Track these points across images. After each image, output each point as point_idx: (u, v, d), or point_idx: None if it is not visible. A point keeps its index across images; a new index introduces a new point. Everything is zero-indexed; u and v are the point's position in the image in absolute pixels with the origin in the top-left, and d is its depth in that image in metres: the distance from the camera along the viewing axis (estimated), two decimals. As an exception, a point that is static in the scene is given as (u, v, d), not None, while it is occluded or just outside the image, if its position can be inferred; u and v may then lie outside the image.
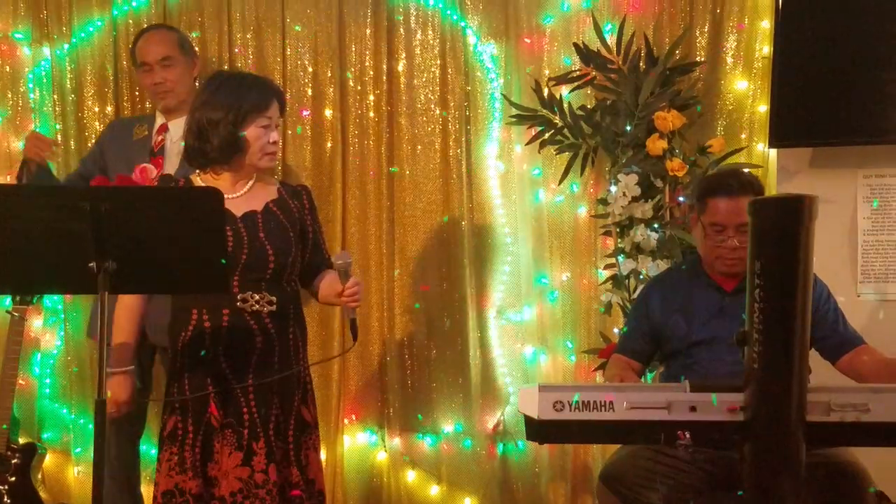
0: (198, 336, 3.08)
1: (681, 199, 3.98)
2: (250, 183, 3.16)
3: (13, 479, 3.96)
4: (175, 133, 3.89)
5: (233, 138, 3.08)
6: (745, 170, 3.83)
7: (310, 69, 4.44)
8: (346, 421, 4.45)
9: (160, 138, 3.91)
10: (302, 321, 3.24)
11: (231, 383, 3.06)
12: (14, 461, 3.99)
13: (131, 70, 4.37)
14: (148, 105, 4.37)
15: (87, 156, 4.12)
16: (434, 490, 4.45)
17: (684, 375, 2.77)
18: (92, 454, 2.66)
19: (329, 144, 4.44)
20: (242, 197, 3.12)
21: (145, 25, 4.33)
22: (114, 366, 3.07)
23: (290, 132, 4.43)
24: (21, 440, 4.11)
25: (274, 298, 3.07)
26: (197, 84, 3.95)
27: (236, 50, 4.41)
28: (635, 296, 3.99)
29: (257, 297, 3.05)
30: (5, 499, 3.90)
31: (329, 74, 4.42)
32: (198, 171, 3.18)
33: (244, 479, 3.01)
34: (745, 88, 4.16)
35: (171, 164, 3.84)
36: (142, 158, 3.81)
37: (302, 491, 3.09)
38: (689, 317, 3.33)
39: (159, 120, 3.98)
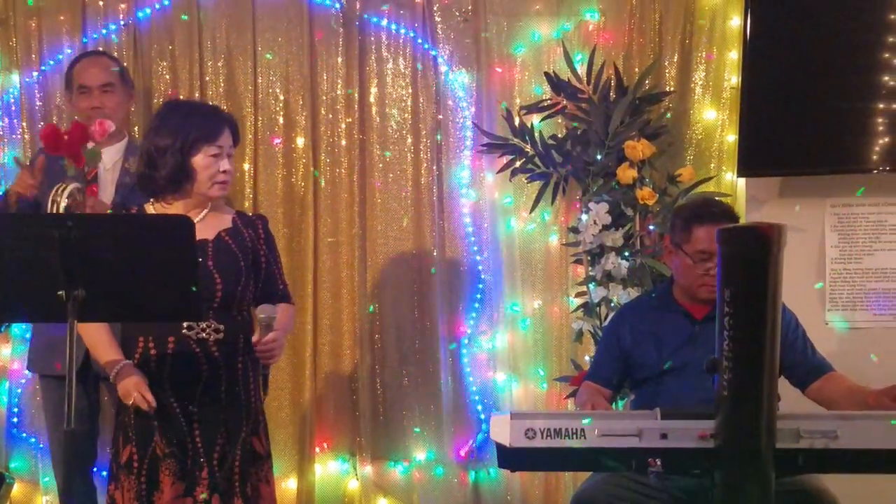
0: (144, 364, 3.05)
1: (651, 227, 4.00)
2: (204, 212, 3.14)
3: (-21, 509, 3.90)
4: (108, 160, 3.86)
5: (180, 167, 3.08)
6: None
7: (281, 97, 4.44)
8: (317, 449, 4.43)
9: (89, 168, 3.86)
10: (253, 352, 3.22)
11: (175, 412, 3.04)
12: (-19, 492, 3.93)
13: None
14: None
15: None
16: (406, 518, 4.44)
17: (655, 403, 2.78)
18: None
19: (301, 172, 4.44)
20: (196, 226, 3.10)
21: (115, 54, 4.33)
22: (114, 369, 3.03)
23: (260, 161, 4.42)
24: (-11, 469, 4.07)
25: (222, 327, 3.06)
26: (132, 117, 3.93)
27: (207, 78, 4.40)
28: (606, 323, 4.00)
29: (203, 325, 3.04)
30: (-29, 529, 3.85)
31: (300, 102, 4.42)
32: (151, 199, 3.17)
33: None
34: (714, 118, 4.21)
35: (106, 193, 3.78)
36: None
37: None
38: (660, 344, 3.34)
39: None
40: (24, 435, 4.43)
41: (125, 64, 4.35)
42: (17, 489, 4.34)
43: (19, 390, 4.43)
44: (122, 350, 3.09)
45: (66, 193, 3.17)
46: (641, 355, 3.36)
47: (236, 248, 3.15)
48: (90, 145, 3.43)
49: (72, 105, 3.95)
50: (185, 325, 3.02)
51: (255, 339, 3.07)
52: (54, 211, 3.20)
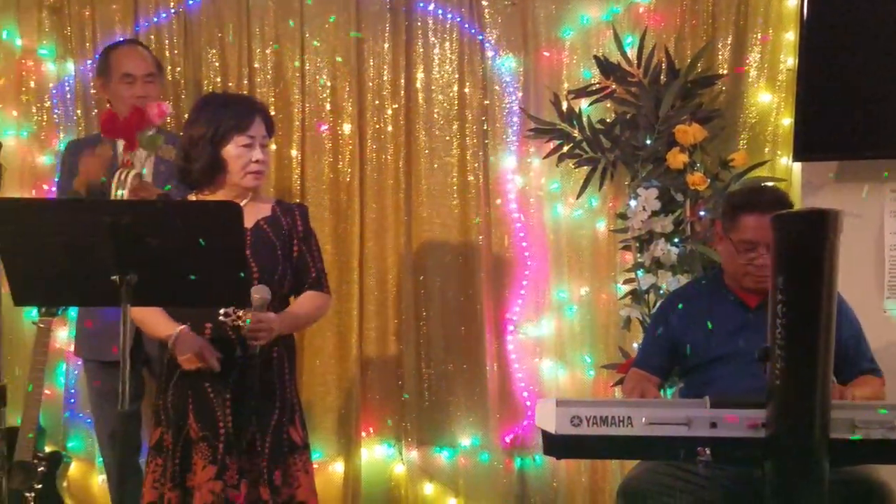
0: None
1: (702, 213, 3.95)
2: (244, 201, 3.15)
3: (39, 486, 4.00)
4: (142, 152, 3.88)
5: (213, 158, 3.12)
6: (770, 184, 3.80)
7: (328, 84, 4.44)
8: (363, 434, 4.44)
9: (127, 158, 3.87)
10: (289, 340, 3.24)
11: (209, 396, 3.07)
12: (40, 469, 4.03)
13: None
14: (170, 119, 4.37)
15: (59, 183, 4.03)
16: (451, 503, 4.43)
17: (704, 391, 2.75)
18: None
19: (347, 159, 4.44)
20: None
21: (166, 41, 4.38)
22: (171, 338, 3.07)
23: (307, 148, 4.44)
24: (47, 449, 4.17)
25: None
26: None
27: (256, 65, 4.42)
28: (655, 310, 3.97)
29: (240, 312, 3.06)
30: (32, 505, 3.95)
31: (347, 89, 4.42)
32: (194, 191, 3.21)
33: (216, 493, 3.02)
34: (769, 101, 4.14)
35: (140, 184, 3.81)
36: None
37: None
38: (710, 332, 3.30)
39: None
40: (81, 415, 4.51)
41: (175, 52, 4.40)
42: (74, 468, 4.45)
43: (76, 372, 4.49)
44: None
45: (128, 179, 3.20)
46: (691, 343, 3.32)
47: (274, 236, 3.17)
48: (150, 132, 3.45)
49: (107, 92, 3.94)
50: (221, 311, 3.05)
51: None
52: (117, 196, 3.24)
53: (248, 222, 3.14)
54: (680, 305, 3.42)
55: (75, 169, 3.84)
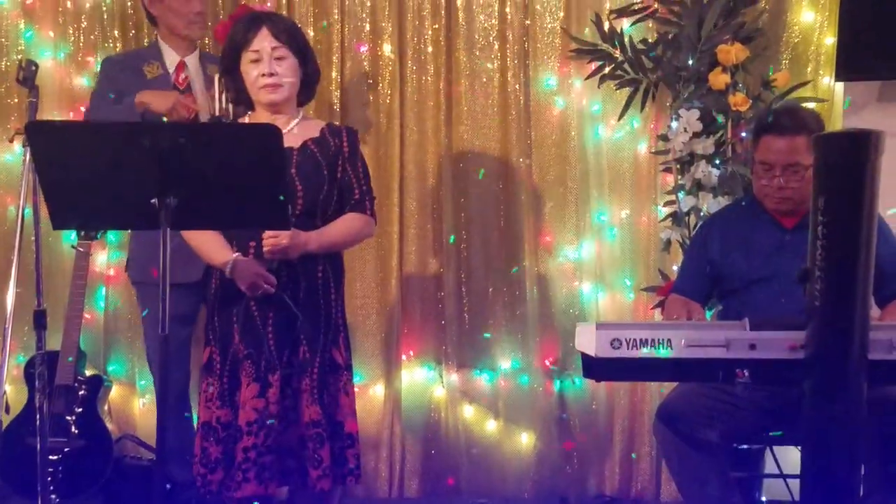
0: None
1: (743, 134, 3.90)
2: (294, 122, 3.16)
3: (80, 410, 4.05)
4: (192, 68, 3.89)
5: (234, 81, 3.15)
6: (810, 105, 3.75)
7: (368, 3, 4.40)
8: (404, 357, 4.48)
9: (183, 76, 3.87)
10: (336, 261, 3.25)
11: (254, 315, 3.10)
12: (81, 393, 4.07)
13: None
14: (209, 40, 4.37)
15: (101, 101, 3.88)
16: (491, 426, 4.48)
17: (743, 313, 2.74)
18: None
19: (387, 80, 4.42)
20: (284, 136, 3.12)
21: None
22: (227, 266, 3.10)
23: (347, 69, 4.41)
24: (88, 372, 4.20)
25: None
26: None
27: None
28: (693, 233, 3.95)
29: (285, 232, 3.05)
30: (73, 429, 4.00)
31: (387, 9, 4.38)
32: (247, 113, 3.25)
33: (259, 410, 3.06)
34: (812, 20, 4.05)
35: (200, 103, 3.83)
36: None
37: (323, 430, 3.11)
38: (749, 254, 3.28)
39: (171, 56, 3.91)
40: (121, 339, 4.57)
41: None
42: (114, 391, 4.51)
43: (116, 296, 4.55)
44: None
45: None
46: (729, 265, 3.31)
47: (321, 156, 3.17)
48: None
49: (158, 8, 3.90)
50: (266, 231, 3.05)
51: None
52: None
53: (296, 142, 3.15)
54: (718, 229, 3.41)
55: (115, 86, 3.83)
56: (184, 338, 3.94)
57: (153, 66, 3.85)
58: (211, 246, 3.16)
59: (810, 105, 3.85)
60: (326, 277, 3.20)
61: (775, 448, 3.47)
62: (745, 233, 3.32)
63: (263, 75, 3.09)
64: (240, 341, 3.12)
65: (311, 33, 4.31)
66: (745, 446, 3.34)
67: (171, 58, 3.92)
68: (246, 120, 3.23)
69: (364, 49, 4.41)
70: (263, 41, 3.09)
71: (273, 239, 3.03)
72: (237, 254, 3.12)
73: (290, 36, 3.15)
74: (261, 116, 3.18)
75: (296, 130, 3.17)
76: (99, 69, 4.12)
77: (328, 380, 3.18)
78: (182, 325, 3.87)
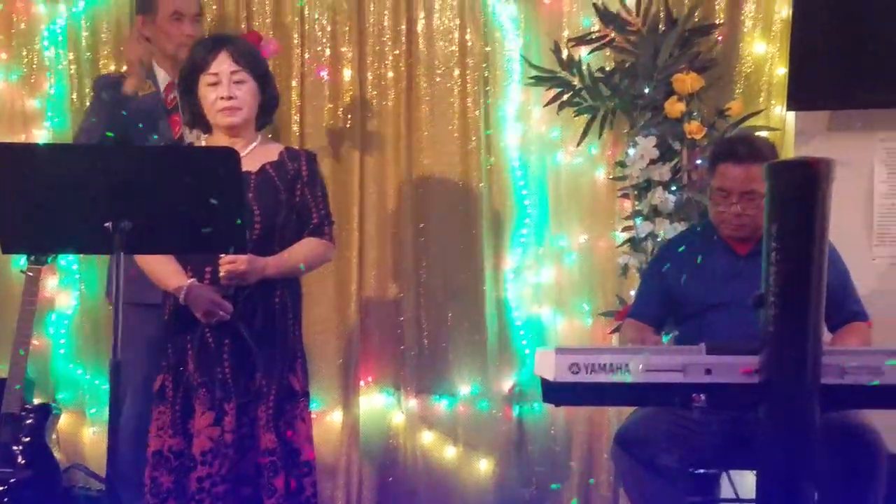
0: None
1: (699, 161, 3.96)
2: (252, 145, 3.14)
3: (27, 439, 3.92)
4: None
5: (191, 103, 3.13)
6: (763, 134, 3.80)
7: (328, 29, 4.41)
8: (362, 383, 4.46)
9: (172, 96, 3.87)
10: (294, 286, 3.22)
11: (209, 342, 3.07)
12: (28, 421, 3.94)
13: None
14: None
15: (91, 122, 3.87)
16: (450, 452, 4.46)
17: (699, 339, 2.76)
18: (107, 415, 2.67)
19: (347, 105, 4.42)
20: (241, 159, 3.09)
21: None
22: (182, 292, 3.06)
23: (307, 93, 4.41)
24: (36, 400, 4.11)
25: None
26: None
27: (253, 9, 4.38)
28: (650, 259, 3.98)
29: (243, 257, 3.02)
30: (20, 459, 3.88)
31: (347, 34, 4.39)
32: (205, 135, 3.23)
33: (214, 439, 3.03)
34: (764, 51, 4.12)
35: None
36: (159, 115, 3.79)
37: (278, 458, 3.07)
38: (704, 280, 3.31)
39: (161, 75, 3.90)
40: (71, 366, 4.50)
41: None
42: (64, 420, 4.37)
43: (66, 322, 4.49)
44: None
45: None
46: (685, 291, 3.34)
47: (279, 180, 3.14)
48: None
49: (150, 30, 3.88)
50: (222, 256, 3.01)
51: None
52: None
53: (254, 166, 3.13)
54: (673, 254, 3.44)
55: (109, 107, 3.81)
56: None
57: (145, 84, 3.84)
58: (164, 270, 3.12)
59: (763, 133, 3.91)
60: (284, 303, 3.17)
61: (732, 473, 3.49)
62: (700, 259, 3.35)
63: (222, 98, 3.07)
64: (195, 369, 3.08)
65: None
66: (702, 471, 3.35)
67: (161, 77, 3.90)
68: (202, 143, 3.20)
69: (324, 74, 4.41)
70: (223, 64, 3.07)
71: (230, 265, 3.00)
72: (192, 279, 3.08)
73: (250, 60, 3.13)
74: (218, 139, 3.15)
75: (254, 154, 3.15)
76: (92, 90, 4.11)
77: (285, 407, 3.15)
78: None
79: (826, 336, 3.18)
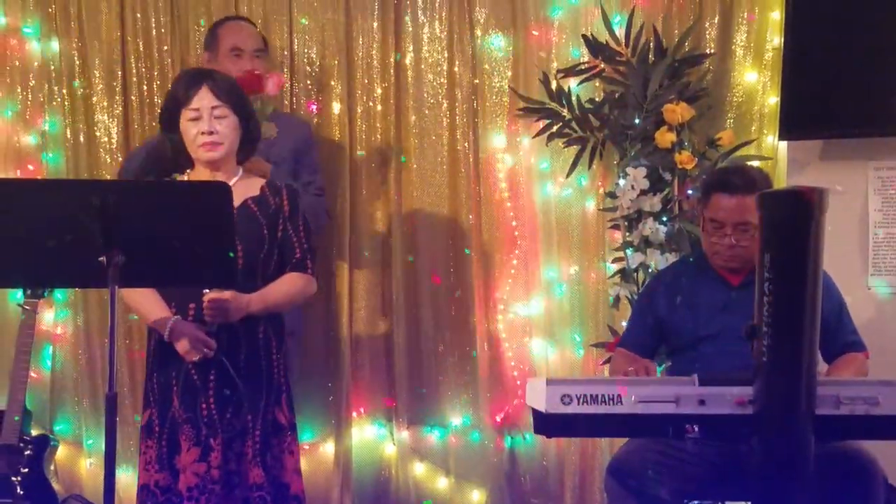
0: None
1: (690, 192, 3.96)
2: (234, 179, 3.12)
3: (26, 470, 3.95)
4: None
5: (169, 142, 3.13)
6: (755, 164, 3.82)
7: (317, 63, 4.43)
8: (354, 414, 4.45)
9: None
10: (277, 321, 3.20)
11: (193, 378, 3.07)
12: (27, 453, 3.98)
13: (140, 65, 4.40)
14: (157, 98, 4.38)
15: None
16: (442, 483, 4.46)
17: (691, 370, 2.76)
18: (104, 446, 2.67)
19: (336, 138, 4.43)
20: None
21: (153, 20, 4.38)
22: (166, 328, 3.05)
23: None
24: (34, 432, 4.13)
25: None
26: None
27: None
28: (641, 290, 3.98)
29: (226, 293, 3.01)
30: (18, 490, 3.91)
31: (336, 68, 4.41)
32: (185, 170, 3.21)
33: (201, 475, 3.02)
34: (755, 80, 4.14)
35: None
36: None
37: (266, 492, 3.07)
38: (696, 311, 3.31)
39: None
40: (69, 398, 4.50)
41: (162, 30, 4.38)
42: (61, 451, 4.43)
43: (63, 354, 4.49)
44: None
45: None
46: (677, 322, 3.34)
47: (261, 215, 3.13)
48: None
49: (214, 66, 3.82)
50: (205, 291, 3.00)
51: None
52: None
53: (236, 200, 3.10)
54: (665, 285, 3.44)
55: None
56: None
57: None
58: (147, 305, 3.11)
59: (755, 163, 3.93)
60: (268, 338, 3.15)
61: (726, 504, 3.49)
62: (691, 290, 3.35)
63: (203, 133, 3.06)
64: (179, 405, 3.07)
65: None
66: (695, 502, 3.34)
67: None
68: (185, 177, 3.20)
69: (313, 108, 4.43)
70: (203, 99, 3.06)
71: (215, 301, 2.99)
72: (176, 316, 3.07)
73: (231, 95, 3.11)
74: (200, 174, 3.14)
75: (235, 188, 3.14)
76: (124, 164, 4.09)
77: (271, 441, 3.13)
78: None
79: (822, 367, 3.20)
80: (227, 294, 2.97)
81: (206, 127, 3.05)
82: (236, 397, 3.07)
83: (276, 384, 3.17)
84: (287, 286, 3.17)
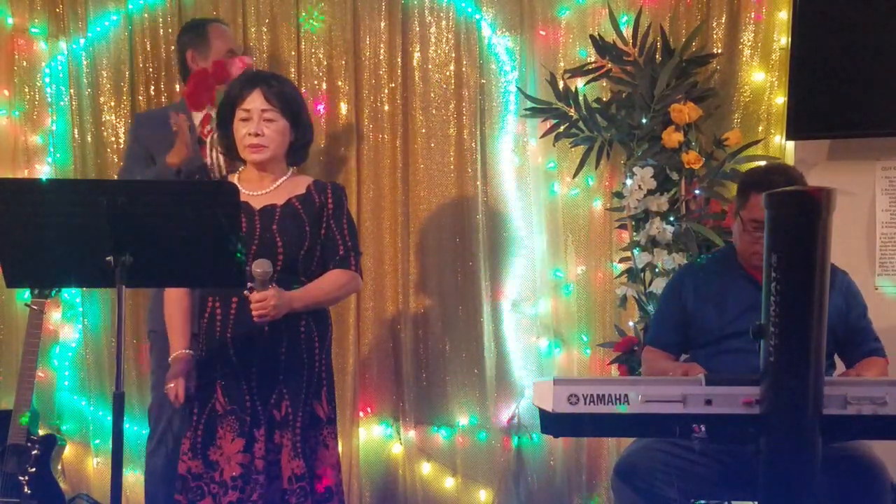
0: (211, 324, 3.15)
1: (697, 191, 3.96)
2: (282, 179, 3.19)
3: (33, 470, 3.97)
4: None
5: (223, 138, 3.21)
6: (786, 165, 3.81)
7: (324, 63, 4.44)
8: (361, 414, 4.46)
9: (208, 128, 3.89)
10: (321, 315, 3.24)
11: (236, 371, 3.10)
12: (34, 452, 4.00)
13: (146, 64, 4.42)
14: (164, 98, 4.40)
15: (128, 158, 3.99)
16: (449, 482, 4.46)
17: (714, 367, 2.75)
18: (111, 446, 2.68)
19: (344, 138, 4.44)
20: (269, 193, 3.17)
21: (160, 20, 4.40)
22: (172, 356, 3.15)
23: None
24: (41, 432, 4.15)
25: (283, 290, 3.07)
26: None
27: (251, 44, 4.42)
28: (651, 289, 3.98)
29: (250, 286, 3.02)
30: (25, 490, 3.93)
31: (343, 68, 4.42)
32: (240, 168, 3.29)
33: (245, 465, 3.06)
34: (763, 80, 4.13)
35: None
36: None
37: (307, 483, 3.11)
38: (723, 308, 3.29)
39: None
40: (76, 398, 4.52)
41: (170, 31, 4.39)
42: (68, 450, 4.46)
43: (70, 354, 4.51)
44: (198, 310, 3.20)
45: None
46: (703, 318, 3.31)
47: (304, 213, 3.17)
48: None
49: (201, 64, 3.93)
50: (248, 287, 3.01)
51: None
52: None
53: (280, 199, 3.17)
54: (691, 280, 3.40)
55: (145, 141, 3.88)
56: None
57: (182, 118, 3.86)
58: (173, 329, 3.20)
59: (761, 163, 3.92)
60: (310, 332, 3.18)
61: (733, 504, 3.48)
62: (719, 287, 3.32)
63: (250, 134, 3.12)
64: (221, 396, 3.11)
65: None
66: (702, 502, 3.34)
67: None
68: (235, 175, 3.25)
69: (321, 108, 4.43)
70: (255, 101, 3.13)
71: (260, 303, 3.00)
72: (188, 351, 3.16)
73: (283, 100, 3.17)
74: (249, 172, 3.22)
75: (282, 188, 3.19)
76: (130, 127, 4.19)
77: (309, 433, 3.17)
78: None
79: (842, 369, 3.21)
80: (271, 292, 2.99)
81: (254, 129, 3.12)
82: (278, 388, 3.11)
83: (317, 376, 3.21)
84: (330, 282, 3.21)
